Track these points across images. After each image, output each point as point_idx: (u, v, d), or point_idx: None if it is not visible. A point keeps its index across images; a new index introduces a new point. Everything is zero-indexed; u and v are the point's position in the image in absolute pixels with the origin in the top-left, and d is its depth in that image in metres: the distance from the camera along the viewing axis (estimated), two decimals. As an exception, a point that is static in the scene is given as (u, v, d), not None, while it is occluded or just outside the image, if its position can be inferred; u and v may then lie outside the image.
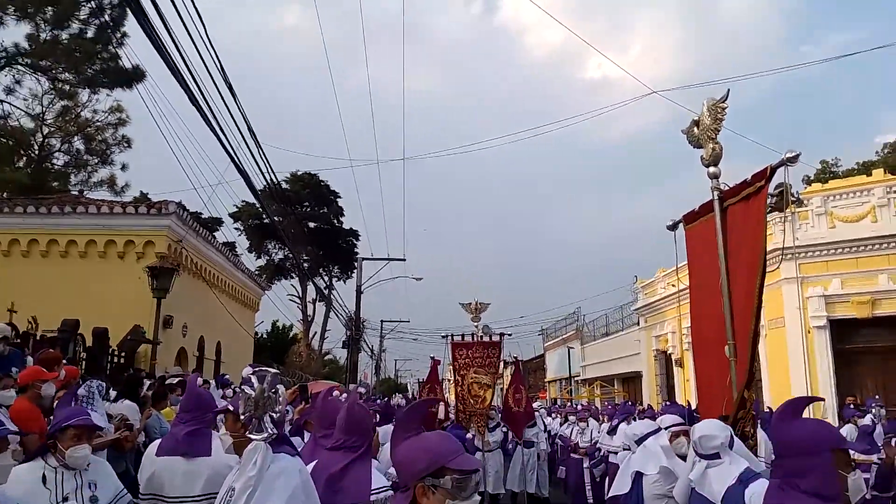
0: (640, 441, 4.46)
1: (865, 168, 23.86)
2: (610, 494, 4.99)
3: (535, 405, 15.43)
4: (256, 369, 3.27)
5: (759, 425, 9.08)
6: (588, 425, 12.14)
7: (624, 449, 10.36)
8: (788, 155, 3.96)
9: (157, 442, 4.13)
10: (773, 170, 4.08)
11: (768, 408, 11.37)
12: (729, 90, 4.51)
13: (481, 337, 14.44)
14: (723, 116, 4.53)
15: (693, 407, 6.83)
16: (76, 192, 20.35)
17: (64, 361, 7.53)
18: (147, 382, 9.77)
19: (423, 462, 2.15)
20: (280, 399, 3.19)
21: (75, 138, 22.74)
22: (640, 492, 4.27)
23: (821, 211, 15.14)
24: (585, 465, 11.32)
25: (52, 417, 5.99)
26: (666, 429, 4.74)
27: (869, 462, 7.80)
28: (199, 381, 5.22)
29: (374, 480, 3.38)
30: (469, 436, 11.74)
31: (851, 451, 8.53)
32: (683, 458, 4.30)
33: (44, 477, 3.36)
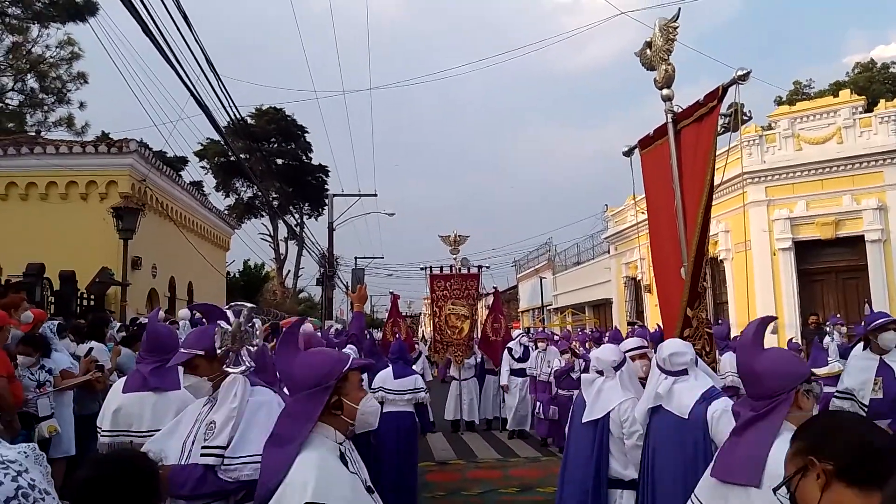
0: (617, 367, 4.28)
1: (836, 89, 23.89)
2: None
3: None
4: (227, 308, 3.24)
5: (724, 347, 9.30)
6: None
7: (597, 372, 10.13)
8: (739, 73, 3.92)
9: (123, 379, 4.11)
10: (725, 89, 4.05)
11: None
12: (680, 9, 4.42)
13: (459, 269, 14.55)
14: (674, 37, 4.44)
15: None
16: (33, 133, 19.75)
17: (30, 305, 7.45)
18: (117, 324, 9.74)
19: (802, 371, 2.50)
20: (257, 333, 3.17)
21: (28, 76, 21.88)
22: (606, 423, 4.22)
23: (788, 133, 15.19)
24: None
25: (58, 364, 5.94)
26: (627, 352, 4.77)
27: (830, 375, 8.06)
28: (161, 314, 5.17)
29: None
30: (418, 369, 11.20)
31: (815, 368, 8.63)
32: (641, 381, 4.33)
33: (342, 458, 2.29)
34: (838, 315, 11.70)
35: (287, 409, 2.42)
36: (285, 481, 2.14)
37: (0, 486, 0.81)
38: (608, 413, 4.14)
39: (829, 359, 8.62)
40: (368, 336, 9.64)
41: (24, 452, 0.96)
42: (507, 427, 12.24)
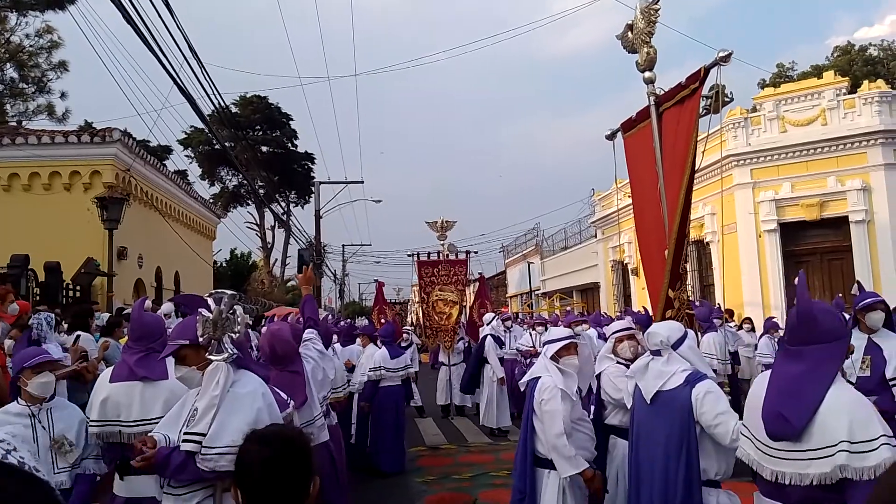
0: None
1: (818, 71, 23.99)
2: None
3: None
4: (208, 296, 3.22)
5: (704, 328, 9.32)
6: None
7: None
8: (721, 54, 3.94)
9: (110, 369, 4.08)
10: (707, 70, 4.06)
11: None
12: (661, -8, 4.42)
13: (447, 255, 14.50)
14: (656, 19, 4.45)
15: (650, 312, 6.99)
16: (14, 124, 19.50)
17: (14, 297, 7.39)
18: (104, 315, 9.67)
19: None
20: (238, 320, 3.14)
21: (7, 66, 21.59)
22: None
23: (773, 115, 15.26)
24: None
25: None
26: (612, 334, 4.86)
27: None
28: (148, 304, 5.12)
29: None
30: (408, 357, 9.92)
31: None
32: (629, 362, 4.36)
33: None
34: (839, 296, 11.76)
35: (814, 355, 2.80)
36: (848, 420, 2.59)
37: None
38: (532, 393, 4.16)
39: None
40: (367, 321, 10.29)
41: (12, 433, 1.00)
42: (497, 424, 10.85)
